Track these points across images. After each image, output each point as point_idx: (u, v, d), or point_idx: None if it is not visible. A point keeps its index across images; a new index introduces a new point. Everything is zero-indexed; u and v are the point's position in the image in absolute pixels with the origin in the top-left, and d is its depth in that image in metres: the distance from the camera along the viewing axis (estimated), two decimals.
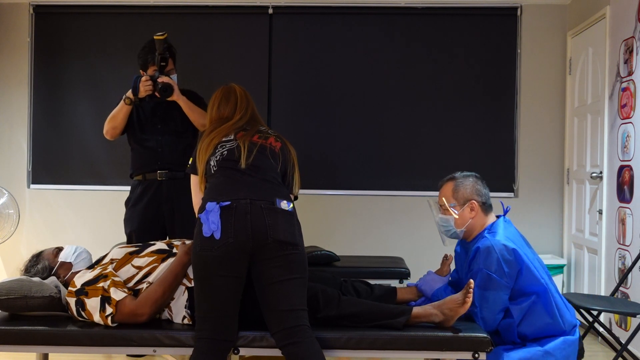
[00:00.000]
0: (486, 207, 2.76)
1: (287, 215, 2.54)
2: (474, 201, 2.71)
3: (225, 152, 2.66)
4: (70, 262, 2.84)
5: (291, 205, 2.59)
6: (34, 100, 5.22)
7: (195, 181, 2.75)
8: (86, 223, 5.18)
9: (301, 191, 5.04)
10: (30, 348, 2.60)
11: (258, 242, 2.43)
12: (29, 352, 2.79)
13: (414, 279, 3.99)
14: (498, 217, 2.80)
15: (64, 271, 2.83)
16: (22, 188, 5.21)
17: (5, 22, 5.22)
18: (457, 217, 2.72)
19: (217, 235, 2.41)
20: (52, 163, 5.21)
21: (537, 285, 2.60)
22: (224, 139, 2.71)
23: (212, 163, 2.65)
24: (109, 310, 2.54)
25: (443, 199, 2.77)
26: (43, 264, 2.83)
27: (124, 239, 3.83)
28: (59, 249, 2.90)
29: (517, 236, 2.70)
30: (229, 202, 2.46)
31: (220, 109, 2.84)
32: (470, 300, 2.46)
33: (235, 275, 2.46)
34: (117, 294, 2.56)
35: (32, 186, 5.23)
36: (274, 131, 2.85)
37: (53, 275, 2.80)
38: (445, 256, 2.97)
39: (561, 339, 2.62)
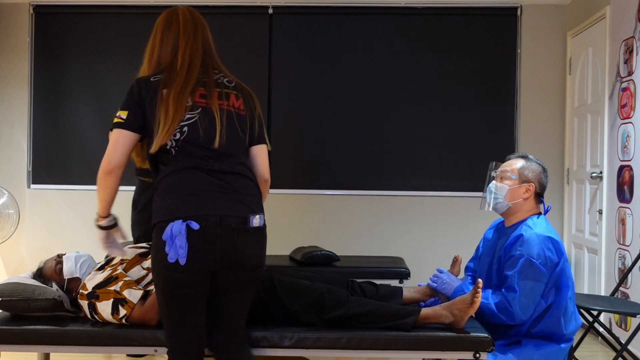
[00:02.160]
0: (538, 198, 2.76)
1: (258, 235, 2.27)
2: (532, 184, 2.72)
3: (186, 128, 2.21)
4: (77, 277, 2.73)
5: (263, 217, 2.28)
6: (34, 100, 5.22)
7: (124, 138, 2.21)
8: (86, 223, 5.18)
9: (302, 191, 5.17)
10: (32, 348, 2.60)
11: (226, 265, 2.22)
12: (31, 352, 2.78)
13: (413, 279, 4.00)
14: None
15: (75, 284, 2.74)
16: (22, 188, 5.21)
17: (5, 22, 5.23)
18: (511, 188, 2.72)
19: (183, 262, 2.14)
20: (52, 163, 5.22)
21: (564, 282, 2.60)
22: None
23: (168, 143, 2.20)
24: (123, 312, 2.52)
25: (507, 167, 2.77)
26: (50, 285, 2.70)
27: None
28: (59, 264, 2.76)
29: (556, 234, 2.69)
30: (197, 225, 2.14)
31: (162, 47, 2.31)
32: (478, 300, 2.45)
33: (201, 289, 2.26)
34: (132, 295, 2.53)
35: (32, 186, 5.23)
36: (229, 78, 2.36)
37: (65, 292, 2.72)
38: (455, 258, 2.95)
39: (556, 346, 2.62)
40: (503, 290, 2.59)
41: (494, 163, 2.84)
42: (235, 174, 2.25)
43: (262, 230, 2.28)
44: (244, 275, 2.27)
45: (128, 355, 3.65)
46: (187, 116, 2.20)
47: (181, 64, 2.26)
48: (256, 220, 2.24)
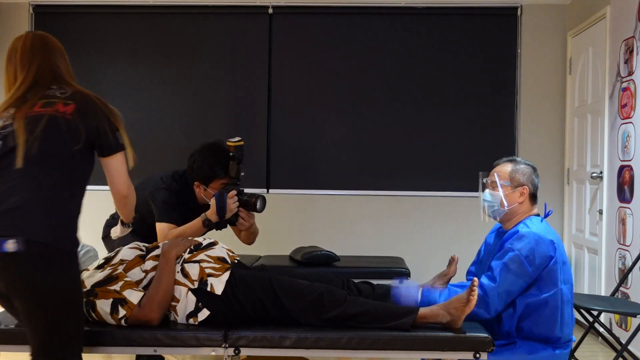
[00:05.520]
0: (533, 199, 2.76)
1: (15, 262, 2.05)
2: (526, 187, 2.72)
3: (0, 142, 2.13)
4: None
5: (23, 240, 2.03)
6: None
7: None
8: (86, 223, 5.14)
9: (302, 191, 5.16)
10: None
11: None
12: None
13: (413, 279, 3.99)
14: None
15: None
16: None
17: (5, 22, 5.22)
18: (505, 194, 2.71)
19: None
20: None
21: (553, 286, 2.58)
22: (2, 124, 2.16)
23: None
24: (122, 312, 2.51)
25: (497, 175, 2.76)
26: None
27: None
28: None
29: (555, 234, 2.69)
30: None
31: (8, 79, 2.27)
32: (474, 299, 2.45)
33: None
34: (133, 296, 2.52)
35: None
36: (70, 88, 2.32)
37: None
38: (452, 257, 2.95)
39: (551, 352, 2.60)
40: (484, 277, 2.59)
41: (481, 173, 2.85)
42: (13, 188, 2.08)
43: (15, 255, 2.03)
44: (24, 304, 2.13)
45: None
46: (4, 132, 2.13)
47: (10, 95, 2.22)
48: (9, 245, 2.01)
